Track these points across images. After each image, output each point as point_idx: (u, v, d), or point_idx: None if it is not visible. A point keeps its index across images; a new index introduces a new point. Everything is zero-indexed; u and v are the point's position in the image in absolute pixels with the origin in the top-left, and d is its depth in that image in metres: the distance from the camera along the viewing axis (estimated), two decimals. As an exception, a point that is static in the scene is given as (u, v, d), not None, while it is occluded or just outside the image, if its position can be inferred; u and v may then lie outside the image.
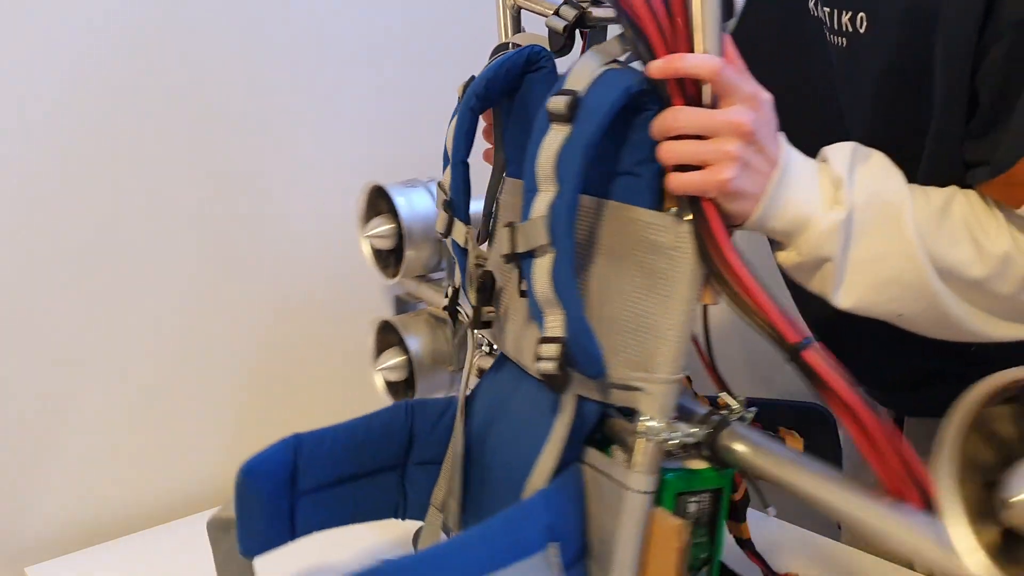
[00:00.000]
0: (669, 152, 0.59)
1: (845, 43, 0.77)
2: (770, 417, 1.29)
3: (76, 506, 1.01)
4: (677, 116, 0.59)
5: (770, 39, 0.85)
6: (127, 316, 1.01)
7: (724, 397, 0.66)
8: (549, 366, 0.62)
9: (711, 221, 0.59)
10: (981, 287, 0.65)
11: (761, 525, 0.95)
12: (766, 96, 0.60)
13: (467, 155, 0.75)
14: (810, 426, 1.29)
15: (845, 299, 0.64)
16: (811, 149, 0.66)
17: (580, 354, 0.62)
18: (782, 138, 0.63)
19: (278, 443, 0.74)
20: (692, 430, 0.62)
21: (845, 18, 0.76)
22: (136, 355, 1.02)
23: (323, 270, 1.15)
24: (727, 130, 0.58)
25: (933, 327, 0.68)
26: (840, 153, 0.65)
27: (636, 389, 0.62)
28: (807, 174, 0.63)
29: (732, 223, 0.61)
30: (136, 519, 1.04)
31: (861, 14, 0.74)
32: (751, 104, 0.59)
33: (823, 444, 1.28)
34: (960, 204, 0.67)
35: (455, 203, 0.77)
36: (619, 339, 0.64)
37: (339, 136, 1.14)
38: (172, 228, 1.03)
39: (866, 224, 0.62)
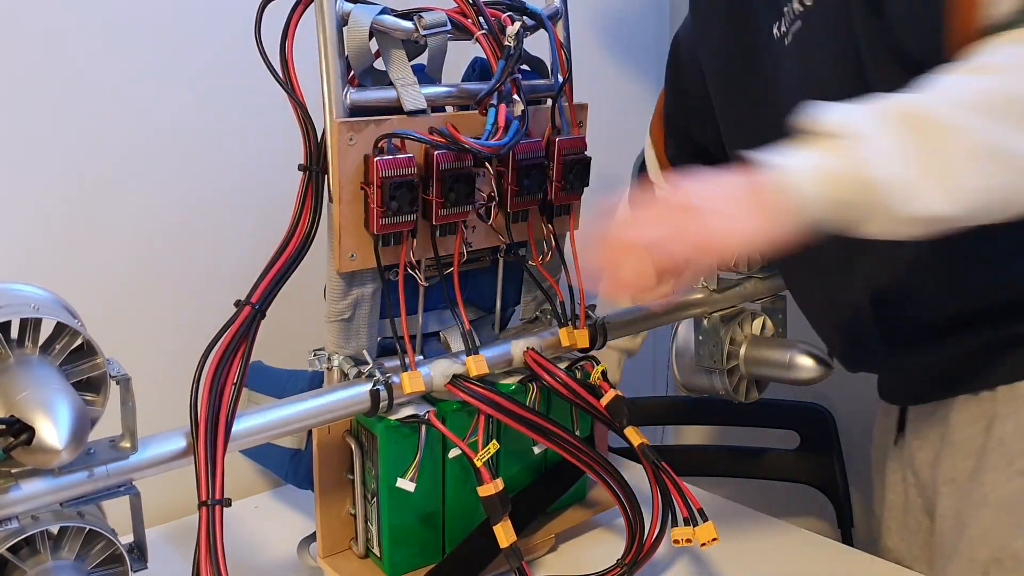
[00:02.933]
0: None
1: (800, 25, 0.79)
2: (770, 415, 1.29)
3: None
4: None
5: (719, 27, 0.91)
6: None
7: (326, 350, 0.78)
8: None
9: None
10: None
11: (760, 524, 0.95)
12: None
13: None
14: (809, 424, 1.29)
15: (946, 207, 0.60)
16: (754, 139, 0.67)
17: None
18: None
19: None
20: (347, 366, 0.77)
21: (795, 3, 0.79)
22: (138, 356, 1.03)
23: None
24: None
25: None
26: (838, 114, 0.62)
27: None
28: (808, 161, 0.62)
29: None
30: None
31: None
32: None
33: (822, 442, 1.28)
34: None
35: None
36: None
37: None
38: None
39: (905, 135, 0.60)
